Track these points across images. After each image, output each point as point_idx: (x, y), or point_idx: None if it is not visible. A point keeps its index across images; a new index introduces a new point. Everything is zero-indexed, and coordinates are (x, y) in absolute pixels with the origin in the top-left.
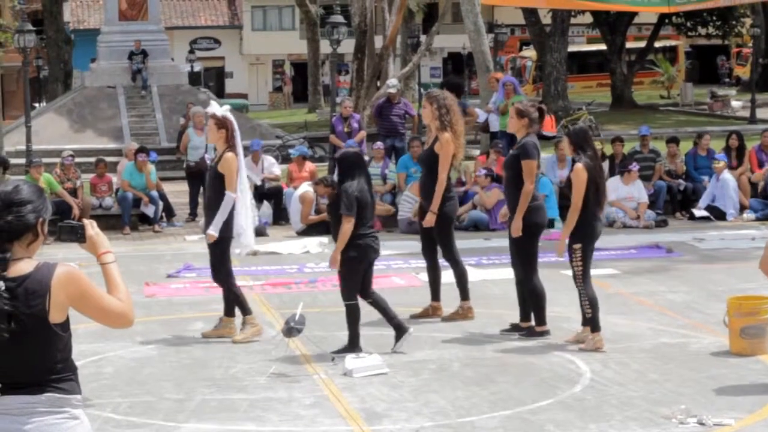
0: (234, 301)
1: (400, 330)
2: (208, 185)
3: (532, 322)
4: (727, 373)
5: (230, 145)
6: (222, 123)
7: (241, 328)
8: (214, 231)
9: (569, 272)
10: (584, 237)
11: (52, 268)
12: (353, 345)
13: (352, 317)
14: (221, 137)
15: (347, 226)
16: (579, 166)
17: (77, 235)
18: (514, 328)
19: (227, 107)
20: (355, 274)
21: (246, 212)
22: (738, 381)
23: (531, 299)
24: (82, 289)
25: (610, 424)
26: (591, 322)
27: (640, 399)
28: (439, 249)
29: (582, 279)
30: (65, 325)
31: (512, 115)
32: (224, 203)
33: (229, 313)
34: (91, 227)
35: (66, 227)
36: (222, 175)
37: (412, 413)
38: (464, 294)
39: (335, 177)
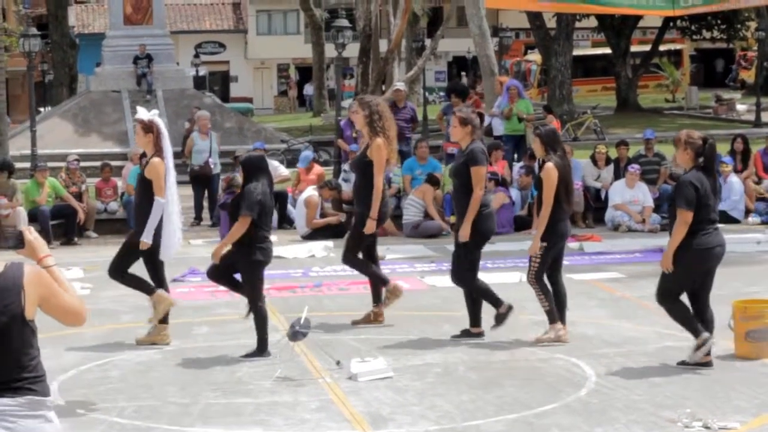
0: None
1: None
2: (136, 191)
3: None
4: (732, 376)
5: (158, 150)
6: (149, 127)
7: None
8: (146, 238)
9: (575, 276)
10: (551, 235)
11: (20, 267)
12: (262, 349)
13: (262, 320)
14: (149, 141)
15: (242, 226)
16: (550, 165)
17: (16, 241)
18: (464, 333)
19: (155, 111)
20: (261, 277)
21: (169, 219)
22: (743, 384)
23: (480, 296)
24: (52, 288)
25: (615, 427)
26: (549, 314)
27: (645, 403)
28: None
29: (535, 277)
30: (34, 323)
31: (455, 123)
32: (154, 209)
33: (163, 320)
34: (29, 233)
35: (4, 233)
36: (150, 181)
37: (417, 417)
38: (377, 298)
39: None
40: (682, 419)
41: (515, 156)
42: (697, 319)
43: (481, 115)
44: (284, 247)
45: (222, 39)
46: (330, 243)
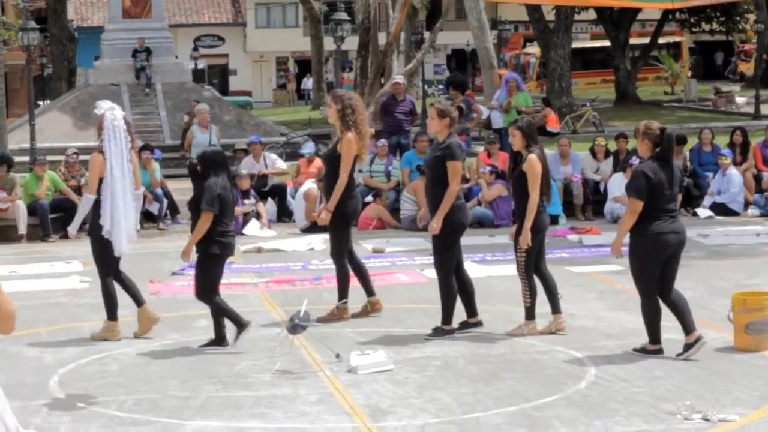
0: (105, 302)
1: (239, 325)
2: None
3: (479, 318)
4: (731, 369)
5: (102, 145)
6: (99, 122)
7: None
8: (71, 229)
9: (574, 269)
10: (535, 227)
11: None
12: (220, 340)
13: (216, 312)
14: (97, 136)
15: (206, 222)
16: (533, 157)
17: None
18: (463, 325)
19: (112, 106)
20: (216, 270)
21: (115, 213)
22: (743, 377)
23: (443, 298)
24: None
25: (615, 420)
26: (528, 311)
27: (645, 395)
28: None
29: (525, 269)
30: None
31: (432, 115)
32: (81, 203)
33: (112, 316)
34: None
35: None
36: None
37: (417, 410)
38: (343, 294)
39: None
40: (681, 412)
41: None
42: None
43: (460, 109)
44: (283, 240)
45: (221, 32)
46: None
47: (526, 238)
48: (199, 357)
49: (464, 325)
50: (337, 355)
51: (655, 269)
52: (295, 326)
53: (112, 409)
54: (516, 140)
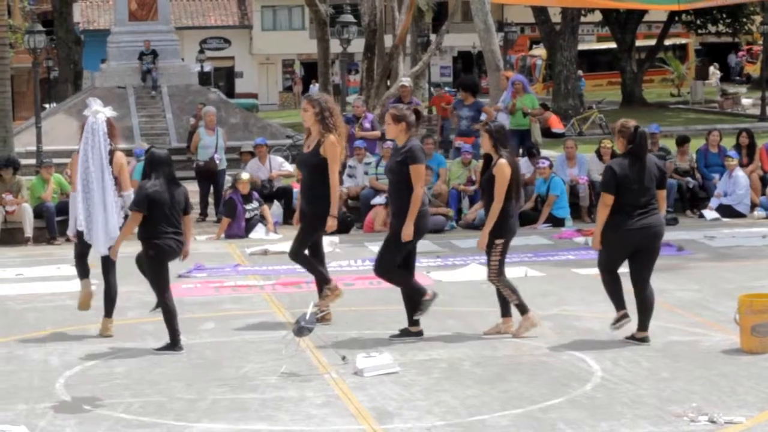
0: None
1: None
2: None
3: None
4: (738, 371)
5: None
6: (82, 123)
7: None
8: (69, 231)
9: (580, 271)
10: (506, 232)
11: None
12: (174, 343)
13: (168, 315)
14: (79, 136)
15: (131, 222)
16: (503, 161)
17: None
18: (404, 333)
19: (97, 109)
20: (158, 270)
21: (93, 211)
22: (749, 379)
23: (405, 300)
24: None
25: (621, 422)
26: (519, 307)
27: (651, 397)
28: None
29: (497, 273)
30: None
31: (388, 120)
32: (70, 203)
33: (108, 313)
34: None
35: None
36: None
37: (423, 412)
38: (325, 281)
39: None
40: (688, 414)
41: (520, 150)
42: (637, 299)
43: (417, 112)
44: (290, 242)
45: (227, 35)
46: (335, 238)
47: (483, 242)
48: (205, 359)
49: (405, 333)
50: (343, 358)
51: (616, 261)
52: (301, 329)
53: (118, 412)
54: (484, 142)
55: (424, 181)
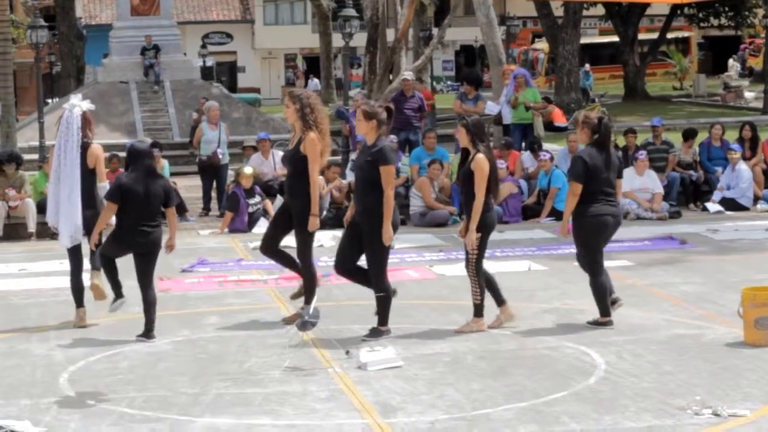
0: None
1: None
2: None
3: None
4: (741, 363)
5: None
6: (59, 117)
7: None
8: (48, 220)
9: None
10: (485, 226)
11: None
12: (148, 330)
13: (148, 305)
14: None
15: (106, 212)
16: (481, 156)
17: None
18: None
19: (74, 104)
20: (136, 261)
21: (61, 203)
22: (753, 372)
23: (378, 300)
24: None
25: (625, 415)
26: (477, 308)
27: (655, 390)
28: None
29: (476, 269)
30: None
31: (359, 117)
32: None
33: (79, 303)
34: None
35: None
36: None
37: (427, 406)
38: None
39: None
40: (691, 407)
41: (522, 144)
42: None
43: (389, 110)
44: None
45: (229, 29)
46: (338, 233)
47: (471, 240)
48: (208, 354)
49: (374, 333)
50: (347, 352)
51: (598, 248)
52: (304, 323)
53: (122, 406)
54: (461, 136)
55: (394, 182)
